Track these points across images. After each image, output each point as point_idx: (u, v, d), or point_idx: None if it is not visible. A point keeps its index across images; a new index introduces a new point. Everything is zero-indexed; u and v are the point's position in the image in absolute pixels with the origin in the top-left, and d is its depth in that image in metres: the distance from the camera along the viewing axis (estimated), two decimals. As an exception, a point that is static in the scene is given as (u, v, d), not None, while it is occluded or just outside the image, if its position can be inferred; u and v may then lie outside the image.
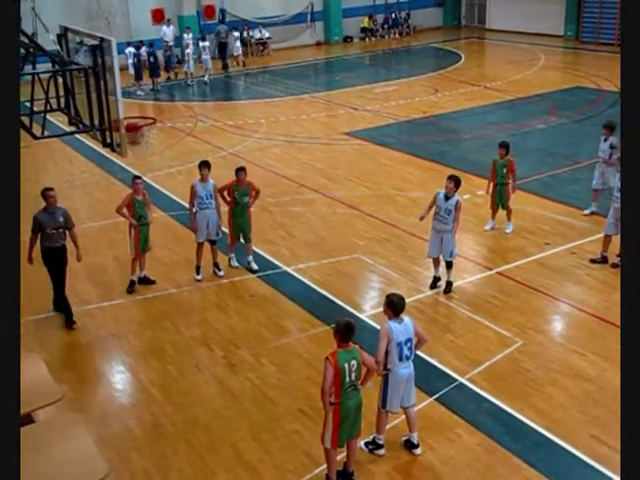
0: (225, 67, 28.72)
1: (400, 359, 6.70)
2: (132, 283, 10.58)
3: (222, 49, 29.28)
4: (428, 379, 8.00)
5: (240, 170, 10.67)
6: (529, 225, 12.21)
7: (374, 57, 31.93)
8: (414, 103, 21.79)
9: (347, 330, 6.26)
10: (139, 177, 10.70)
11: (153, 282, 10.74)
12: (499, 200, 11.96)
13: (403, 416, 7.30)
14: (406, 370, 6.80)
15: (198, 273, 10.87)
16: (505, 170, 11.78)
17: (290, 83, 25.88)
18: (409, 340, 6.72)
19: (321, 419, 6.53)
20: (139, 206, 10.32)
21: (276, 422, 7.60)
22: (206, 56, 25.95)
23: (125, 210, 10.32)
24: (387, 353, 6.67)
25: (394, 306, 6.73)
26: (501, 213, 12.12)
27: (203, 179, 10.53)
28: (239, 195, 10.69)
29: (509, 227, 12.07)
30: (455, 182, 9.75)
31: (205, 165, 10.57)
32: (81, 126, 8.72)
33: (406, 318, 6.82)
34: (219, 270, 11.00)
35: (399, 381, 6.78)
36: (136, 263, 10.57)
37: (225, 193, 10.78)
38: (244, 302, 10.25)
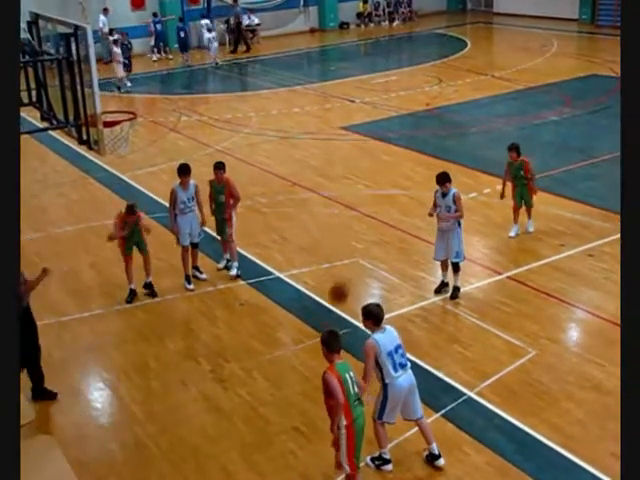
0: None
1: (395, 369, 6.74)
2: (131, 292, 10.55)
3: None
4: (433, 393, 8.01)
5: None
6: (542, 225, 12.23)
7: (372, 45, 31.99)
8: (416, 94, 21.83)
9: (331, 338, 6.37)
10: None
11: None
12: (520, 200, 11.99)
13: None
14: (405, 380, 6.83)
15: (189, 282, 10.86)
16: (522, 172, 11.84)
17: (282, 74, 25.92)
18: (399, 347, 6.82)
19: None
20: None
21: (269, 442, 7.59)
22: None
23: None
24: (380, 367, 6.72)
25: (374, 315, 6.84)
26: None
27: (184, 185, 10.61)
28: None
29: (531, 225, 12.11)
30: (446, 179, 9.90)
31: (185, 172, 10.62)
32: (55, 122, 8.73)
33: (388, 327, 6.93)
34: (200, 273, 11.10)
35: (399, 393, 6.81)
36: (129, 269, 10.52)
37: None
38: (234, 311, 10.26)
